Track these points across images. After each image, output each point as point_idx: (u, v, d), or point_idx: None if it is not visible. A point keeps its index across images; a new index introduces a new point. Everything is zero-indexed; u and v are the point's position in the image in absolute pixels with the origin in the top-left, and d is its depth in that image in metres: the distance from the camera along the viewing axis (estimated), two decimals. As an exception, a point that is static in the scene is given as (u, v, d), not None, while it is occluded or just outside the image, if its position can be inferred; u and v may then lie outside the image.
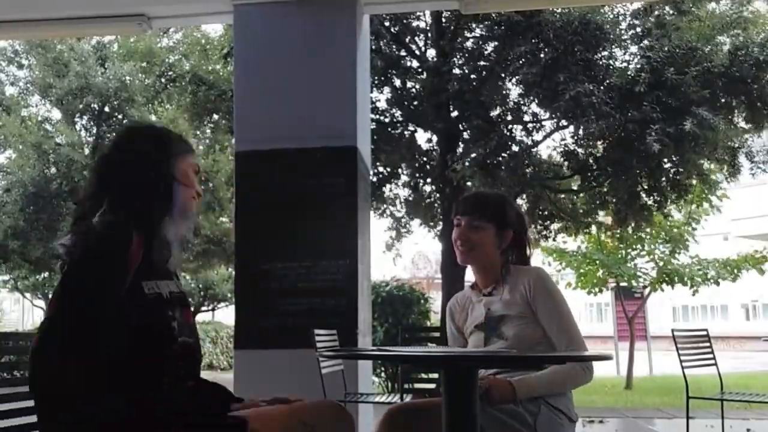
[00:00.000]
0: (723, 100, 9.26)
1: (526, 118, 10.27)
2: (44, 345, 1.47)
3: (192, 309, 1.82)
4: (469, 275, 2.55)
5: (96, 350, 1.47)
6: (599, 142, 9.80)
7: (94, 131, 16.58)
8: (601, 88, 8.84)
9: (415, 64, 10.61)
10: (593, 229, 11.17)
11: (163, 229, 1.69)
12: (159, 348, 1.59)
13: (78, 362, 1.45)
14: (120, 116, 16.29)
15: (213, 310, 23.84)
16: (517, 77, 9.69)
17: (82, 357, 1.45)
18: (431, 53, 10.44)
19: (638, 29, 9.74)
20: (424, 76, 10.20)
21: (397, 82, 10.55)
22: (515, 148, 9.73)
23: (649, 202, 9.79)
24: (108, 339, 1.49)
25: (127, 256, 1.56)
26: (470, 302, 2.44)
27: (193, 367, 1.70)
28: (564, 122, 9.84)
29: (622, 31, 9.76)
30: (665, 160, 9.23)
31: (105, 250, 1.56)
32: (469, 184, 9.47)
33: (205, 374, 1.91)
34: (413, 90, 10.52)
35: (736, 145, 10.04)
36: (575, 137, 9.88)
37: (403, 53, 10.49)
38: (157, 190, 1.72)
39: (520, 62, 9.24)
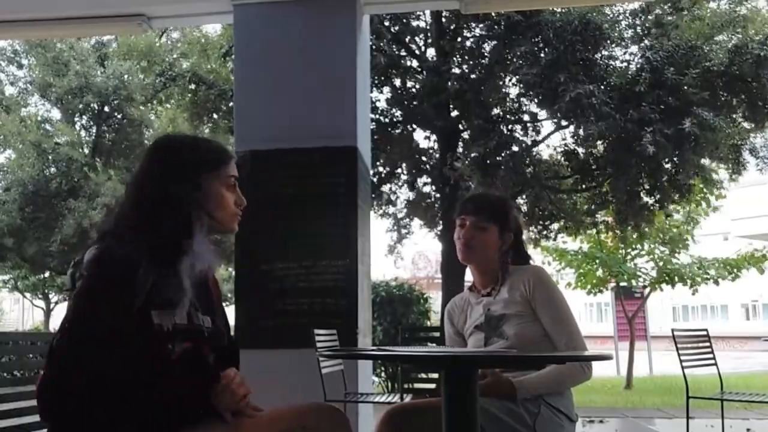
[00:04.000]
0: (723, 99, 9.26)
1: (526, 117, 10.28)
2: (54, 378, 1.48)
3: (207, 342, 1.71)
4: (469, 275, 2.55)
5: (104, 378, 1.48)
6: (599, 142, 9.81)
7: (94, 131, 16.59)
8: (601, 87, 8.85)
9: (415, 63, 10.61)
10: (593, 229, 11.18)
11: (180, 263, 1.60)
12: (154, 377, 1.56)
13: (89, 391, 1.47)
14: (119, 115, 16.29)
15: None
16: (517, 77, 9.70)
17: (93, 385, 1.47)
18: (431, 53, 10.44)
19: (638, 29, 9.75)
20: (424, 75, 10.20)
21: (397, 82, 10.55)
22: (515, 148, 9.74)
23: (650, 202, 9.80)
24: (114, 366, 1.49)
25: (132, 287, 1.51)
26: (469, 304, 2.45)
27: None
28: (564, 122, 9.85)
29: (623, 31, 9.77)
30: (666, 160, 9.24)
31: (108, 280, 1.52)
32: (470, 184, 9.48)
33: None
34: (413, 90, 10.52)
35: (739, 143, 10.05)
36: (575, 137, 9.89)
37: (403, 53, 10.49)
38: (175, 223, 1.61)
39: (520, 62, 9.24)
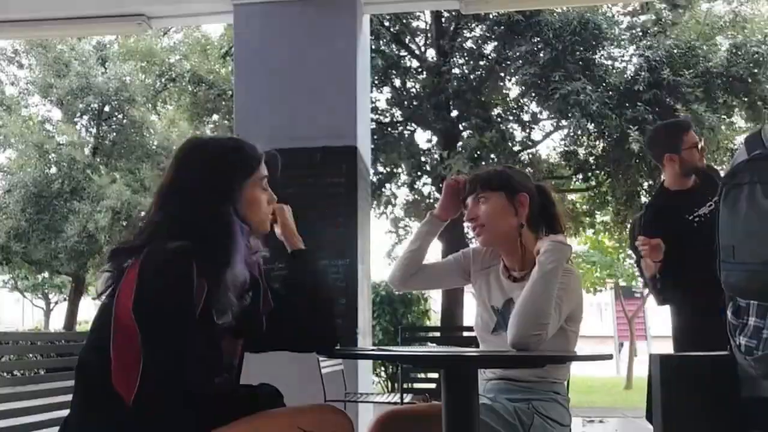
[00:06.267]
0: (722, 100, 9.28)
1: (526, 117, 10.29)
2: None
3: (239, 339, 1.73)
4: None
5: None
6: (598, 142, 9.82)
7: (95, 131, 16.59)
8: (599, 88, 8.86)
9: (415, 63, 10.62)
10: (592, 229, 11.19)
11: (228, 271, 1.58)
12: (213, 377, 1.58)
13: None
14: (120, 116, 16.30)
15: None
16: (516, 77, 9.71)
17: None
18: (431, 53, 10.46)
19: (638, 29, 9.76)
20: (424, 75, 10.21)
21: (397, 82, 10.56)
22: (515, 148, 9.76)
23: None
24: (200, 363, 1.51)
25: (193, 284, 1.50)
26: (495, 271, 2.17)
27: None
28: (564, 122, 9.86)
29: (621, 32, 9.78)
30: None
31: (175, 276, 1.50)
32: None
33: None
34: (413, 90, 10.53)
35: (736, 147, 10.05)
36: (573, 137, 9.90)
37: (403, 53, 10.50)
38: (214, 232, 1.58)
39: (520, 62, 9.26)
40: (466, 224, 2.21)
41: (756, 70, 8.83)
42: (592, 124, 8.65)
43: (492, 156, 9.39)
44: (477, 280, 2.20)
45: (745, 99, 9.24)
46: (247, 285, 1.68)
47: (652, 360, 1.75)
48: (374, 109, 9.90)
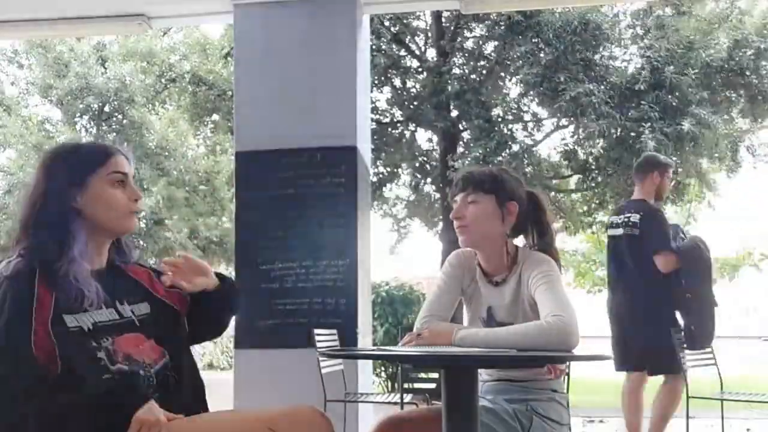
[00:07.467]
0: (723, 96, 9.29)
1: (527, 117, 10.29)
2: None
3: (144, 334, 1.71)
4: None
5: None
6: (599, 141, 9.83)
7: (95, 131, 16.59)
8: (601, 87, 8.86)
9: (415, 63, 10.62)
10: (593, 228, 11.19)
11: (65, 264, 1.60)
12: (85, 379, 1.56)
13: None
14: (120, 116, 16.30)
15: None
16: (517, 77, 9.71)
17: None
18: (431, 53, 10.46)
19: (638, 29, 9.77)
20: (424, 75, 10.21)
21: (397, 82, 10.56)
22: (515, 148, 9.75)
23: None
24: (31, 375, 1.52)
25: (28, 302, 1.55)
26: (476, 280, 2.17)
27: (136, 394, 1.62)
28: (564, 122, 9.86)
29: (622, 31, 9.79)
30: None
31: (6, 297, 1.56)
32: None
33: (205, 374, 1.89)
34: (413, 90, 10.53)
35: (737, 141, 10.07)
36: (575, 136, 9.90)
37: (403, 53, 10.50)
38: (54, 224, 1.63)
39: (520, 62, 9.26)
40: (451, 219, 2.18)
41: (756, 64, 8.83)
42: (602, 125, 8.63)
43: (496, 158, 9.40)
44: (466, 291, 2.20)
45: (746, 94, 9.25)
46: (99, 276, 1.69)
47: None
48: (374, 109, 9.90)
